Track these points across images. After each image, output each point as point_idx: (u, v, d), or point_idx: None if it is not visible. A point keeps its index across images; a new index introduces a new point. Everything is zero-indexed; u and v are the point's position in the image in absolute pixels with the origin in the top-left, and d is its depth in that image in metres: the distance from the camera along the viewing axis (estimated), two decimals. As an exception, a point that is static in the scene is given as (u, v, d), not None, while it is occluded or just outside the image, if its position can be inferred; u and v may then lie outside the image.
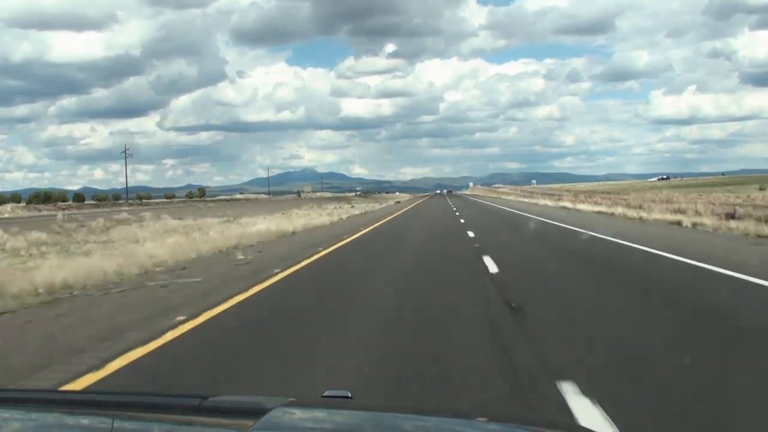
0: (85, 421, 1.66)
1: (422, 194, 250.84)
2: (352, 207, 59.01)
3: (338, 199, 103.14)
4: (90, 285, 9.88)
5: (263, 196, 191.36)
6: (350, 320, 7.11)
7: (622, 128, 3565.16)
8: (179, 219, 36.16)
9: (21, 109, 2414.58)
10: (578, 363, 5.01)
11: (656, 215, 25.88)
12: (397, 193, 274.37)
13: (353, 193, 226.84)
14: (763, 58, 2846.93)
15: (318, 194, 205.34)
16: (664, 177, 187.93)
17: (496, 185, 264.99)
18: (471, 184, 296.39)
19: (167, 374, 5.15)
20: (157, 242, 17.37)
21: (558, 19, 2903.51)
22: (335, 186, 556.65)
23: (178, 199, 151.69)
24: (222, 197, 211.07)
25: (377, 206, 65.47)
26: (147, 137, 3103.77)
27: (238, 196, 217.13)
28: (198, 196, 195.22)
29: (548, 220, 28.10)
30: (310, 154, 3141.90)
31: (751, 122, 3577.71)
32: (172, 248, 14.68)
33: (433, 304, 8.03)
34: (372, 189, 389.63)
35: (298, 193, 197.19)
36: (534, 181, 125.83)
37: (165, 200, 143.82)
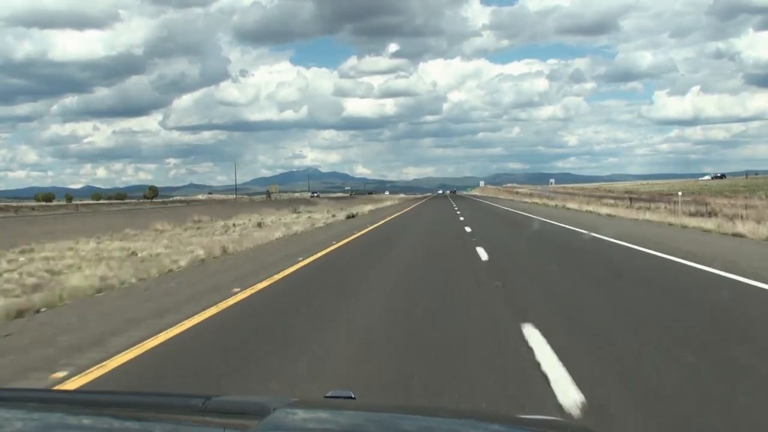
0: (86, 421, 1.62)
1: (423, 194, 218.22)
2: (260, 227, 25.38)
3: (286, 203, 71.69)
4: None
5: (232, 196, 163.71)
6: None
7: (625, 129, 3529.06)
8: None
9: (23, 108, 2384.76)
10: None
11: None
12: (387, 193, 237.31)
13: (312, 194, 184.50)
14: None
15: (298, 194, 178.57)
16: (719, 175, 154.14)
17: (509, 185, 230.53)
18: (482, 183, 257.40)
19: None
20: None
21: (561, 19, 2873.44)
22: (337, 186, 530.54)
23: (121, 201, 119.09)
24: (179, 197, 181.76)
25: (297, 230, 28.86)
26: (150, 136, 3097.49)
27: (200, 197, 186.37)
28: (149, 196, 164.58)
29: None
30: (313, 154, 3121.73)
31: (755, 123, 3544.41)
32: None
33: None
34: (374, 189, 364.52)
35: (269, 193, 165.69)
36: (552, 180, 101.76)
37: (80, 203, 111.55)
